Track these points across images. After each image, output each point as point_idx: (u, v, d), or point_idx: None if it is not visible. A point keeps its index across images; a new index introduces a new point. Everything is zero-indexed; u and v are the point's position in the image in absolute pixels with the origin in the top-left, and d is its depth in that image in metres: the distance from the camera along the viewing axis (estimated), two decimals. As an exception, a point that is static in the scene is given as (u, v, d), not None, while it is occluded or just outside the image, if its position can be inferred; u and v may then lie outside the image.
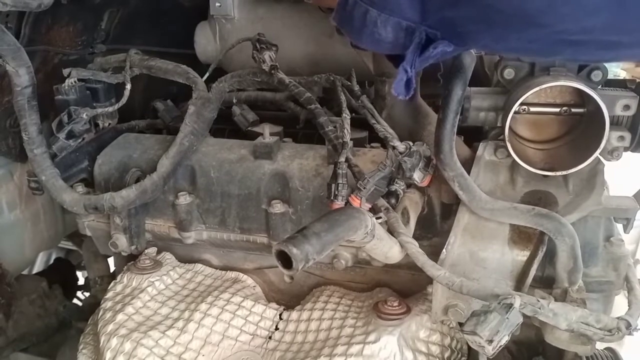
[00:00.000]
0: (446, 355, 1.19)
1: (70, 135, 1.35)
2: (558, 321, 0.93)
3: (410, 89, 0.81)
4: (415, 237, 1.13)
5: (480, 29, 0.76)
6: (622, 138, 1.08)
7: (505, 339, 0.86)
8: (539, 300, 0.93)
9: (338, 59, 1.61)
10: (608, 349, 1.25)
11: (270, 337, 1.28)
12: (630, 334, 0.98)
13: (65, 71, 1.39)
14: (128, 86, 1.42)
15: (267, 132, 1.34)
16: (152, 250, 1.47)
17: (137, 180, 1.30)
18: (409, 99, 1.29)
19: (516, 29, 0.73)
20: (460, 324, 1.13)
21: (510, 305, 0.88)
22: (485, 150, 1.17)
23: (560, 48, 0.74)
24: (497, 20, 0.73)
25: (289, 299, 1.43)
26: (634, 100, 1.06)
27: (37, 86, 1.23)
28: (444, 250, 1.14)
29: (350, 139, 1.17)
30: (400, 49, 0.81)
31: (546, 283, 1.11)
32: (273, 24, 1.65)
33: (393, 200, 1.15)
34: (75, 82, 1.38)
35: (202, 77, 1.39)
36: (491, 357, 0.94)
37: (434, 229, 1.27)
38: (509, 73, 1.11)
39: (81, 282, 2.21)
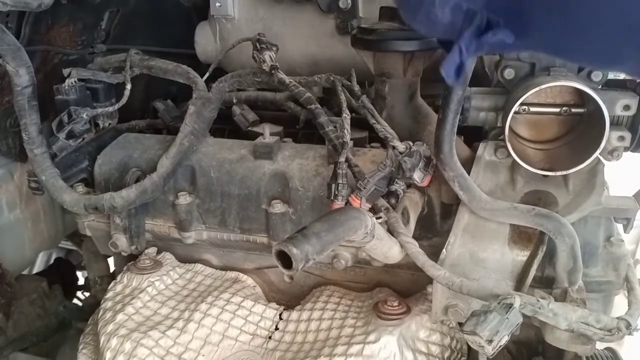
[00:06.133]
0: (446, 355, 1.19)
1: (70, 135, 1.35)
2: (558, 321, 0.93)
3: (460, 74, 0.74)
4: (415, 237, 1.13)
5: (552, 34, 0.67)
6: (622, 138, 1.08)
7: (505, 339, 0.86)
8: (539, 300, 0.93)
9: (338, 59, 1.61)
10: (608, 349, 1.25)
11: (270, 337, 1.28)
12: (630, 334, 0.98)
13: (66, 71, 1.40)
14: (128, 86, 1.42)
15: (267, 132, 1.34)
16: (152, 250, 1.46)
17: (137, 180, 1.30)
18: (408, 99, 1.30)
19: (606, 43, 0.63)
20: (460, 324, 1.13)
21: (510, 305, 0.88)
22: (485, 150, 1.17)
23: None
24: (575, 30, 0.64)
25: (289, 299, 1.43)
26: (634, 100, 1.06)
27: (37, 86, 1.23)
28: (444, 250, 1.14)
29: (350, 139, 1.17)
30: (455, 33, 0.75)
31: (546, 283, 1.11)
32: (273, 24, 1.65)
33: (393, 200, 1.15)
34: (75, 82, 1.38)
35: (202, 77, 1.39)
36: (491, 357, 0.94)
37: (434, 229, 1.27)
38: (509, 73, 1.11)
39: (81, 282, 2.21)
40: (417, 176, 1.14)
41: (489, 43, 0.73)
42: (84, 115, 1.36)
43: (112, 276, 1.67)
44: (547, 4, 0.66)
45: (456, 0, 0.72)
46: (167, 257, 1.46)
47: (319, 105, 1.26)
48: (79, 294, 2.17)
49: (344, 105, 1.23)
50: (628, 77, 1.11)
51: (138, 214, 1.37)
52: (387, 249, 1.07)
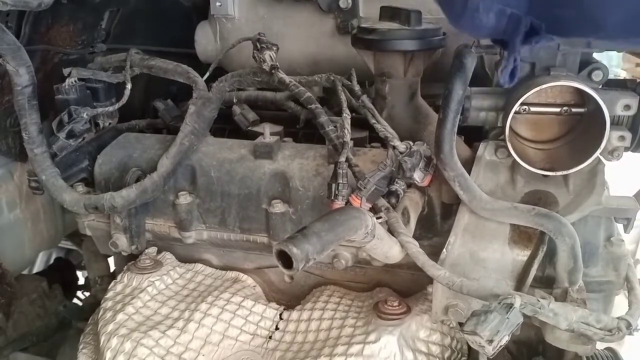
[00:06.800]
0: (446, 355, 1.19)
1: (71, 135, 1.35)
2: (558, 321, 0.93)
3: (515, 77, 0.82)
4: (415, 237, 1.13)
5: (586, 30, 0.76)
6: (622, 138, 1.07)
7: (505, 339, 0.86)
8: (539, 300, 0.93)
9: (338, 58, 1.61)
10: (608, 349, 1.25)
11: (270, 337, 1.28)
12: (630, 334, 0.98)
13: (66, 71, 1.39)
14: (128, 86, 1.42)
15: (268, 132, 1.34)
16: (152, 250, 1.47)
17: (138, 180, 1.30)
18: (409, 99, 1.30)
19: (624, 37, 0.73)
20: (461, 324, 1.13)
21: (511, 305, 0.88)
22: (485, 150, 1.17)
23: None
24: (603, 27, 0.73)
25: (289, 299, 1.43)
26: (635, 100, 1.06)
27: (37, 86, 1.23)
28: (444, 250, 1.14)
29: (351, 139, 1.17)
30: (500, 34, 0.80)
31: (546, 283, 1.11)
32: (273, 24, 1.65)
33: (393, 200, 1.15)
34: (75, 81, 1.38)
35: (202, 76, 1.39)
36: (491, 357, 0.94)
37: (434, 229, 1.27)
38: (509, 73, 1.10)
39: (81, 282, 2.21)
40: (418, 176, 1.14)
41: (533, 48, 0.81)
42: (84, 115, 1.36)
43: (112, 276, 1.67)
44: (581, 17, 0.74)
45: (500, 6, 0.77)
46: (167, 257, 1.46)
47: (319, 105, 1.26)
48: (79, 294, 2.17)
49: (344, 105, 1.23)
50: (628, 77, 1.11)
51: (138, 214, 1.37)
52: (387, 249, 1.07)
